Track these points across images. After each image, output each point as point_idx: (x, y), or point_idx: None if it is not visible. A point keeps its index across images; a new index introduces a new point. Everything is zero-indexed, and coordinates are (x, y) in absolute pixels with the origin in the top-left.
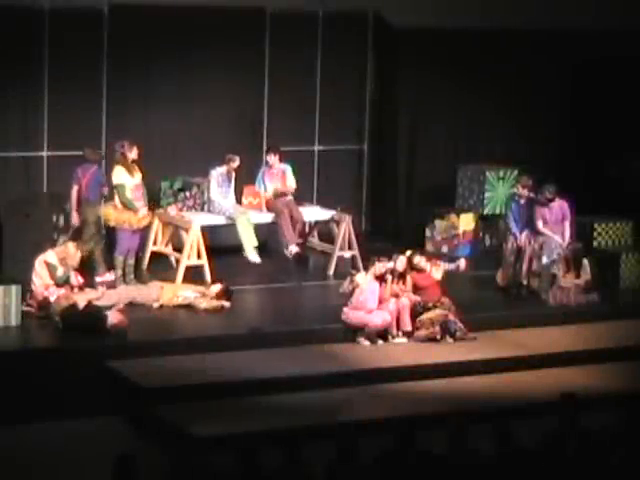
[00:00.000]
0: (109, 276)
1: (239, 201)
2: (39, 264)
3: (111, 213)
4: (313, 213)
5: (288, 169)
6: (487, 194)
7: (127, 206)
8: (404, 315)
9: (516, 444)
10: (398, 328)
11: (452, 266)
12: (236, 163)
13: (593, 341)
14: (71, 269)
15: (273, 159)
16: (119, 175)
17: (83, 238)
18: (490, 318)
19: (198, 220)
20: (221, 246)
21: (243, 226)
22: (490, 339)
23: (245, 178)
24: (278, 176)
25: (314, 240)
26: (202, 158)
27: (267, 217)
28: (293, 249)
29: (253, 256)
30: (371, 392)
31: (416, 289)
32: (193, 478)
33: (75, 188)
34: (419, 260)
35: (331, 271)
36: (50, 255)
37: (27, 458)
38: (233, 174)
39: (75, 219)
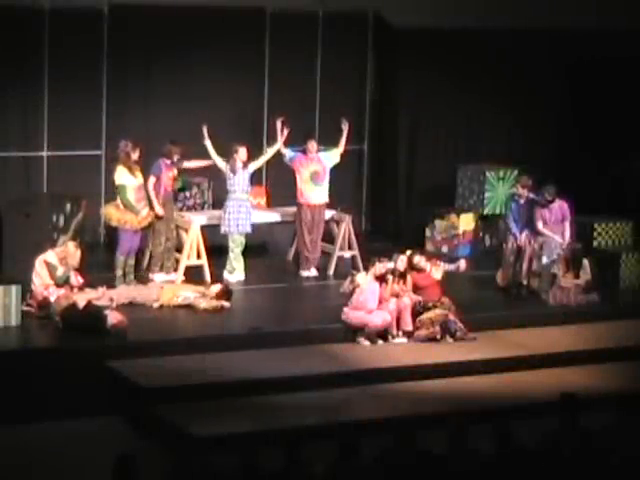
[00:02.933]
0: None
1: None
2: (39, 264)
3: (113, 213)
4: None
5: (323, 154)
6: (487, 194)
7: (127, 207)
8: (405, 315)
9: (516, 444)
10: (398, 328)
11: (452, 267)
12: (238, 154)
13: (593, 341)
14: (71, 269)
15: (314, 146)
16: (121, 176)
17: (154, 234)
18: (490, 318)
19: (198, 220)
20: (221, 246)
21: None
22: (490, 339)
23: None
24: (314, 160)
25: None
26: (202, 158)
27: (269, 217)
28: (304, 274)
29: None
30: (371, 392)
31: (416, 289)
32: (193, 478)
33: (153, 180)
34: (419, 260)
35: (331, 271)
36: (50, 255)
37: (27, 458)
38: (240, 165)
39: (161, 210)
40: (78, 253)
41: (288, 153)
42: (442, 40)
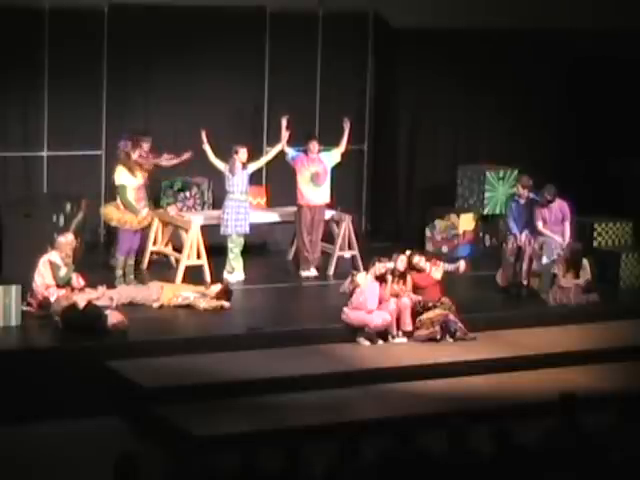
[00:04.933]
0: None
1: None
2: (43, 264)
3: (113, 213)
4: None
5: (324, 155)
6: (487, 194)
7: (127, 207)
8: (405, 315)
9: (516, 444)
10: (398, 328)
11: (452, 267)
12: (238, 155)
13: (593, 341)
14: (72, 269)
15: (316, 147)
16: (121, 176)
17: None
18: (490, 318)
19: (198, 220)
20: (221, 246)
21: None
22: (490, 339)
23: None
24: (315, 161)
25: None
26: (202, 158)
27: (268, 217)
28: (304, 274)
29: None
30: (371, 392)
31: (416, 289)
32: (193, 478)
33: None
34: (419, 260)
35: (331, 271)
36: (54, 255)
37: (27, 458)
38: (239, 166)
39: None
40: (70, 240)
41: (291, 152)
42: (442, 40)
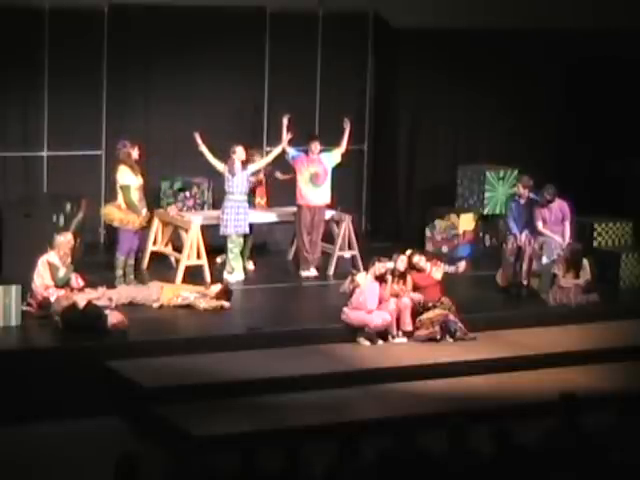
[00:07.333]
0: None
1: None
2: (42, 264)
3: (115, 213)
4: None
5: (325, 155)
6: (487, 194)
7: (130, 207)
8: (405, 315)
9: (516, 444)
10: (398, 328)
11: (452, 268)
12: (236, 155)
13: (593, 341)
14: (72, 270)
15: (317, 147)
16: (124, 175)
17: None
18: (490, 318)
19: (198, 220)
20: (221, 246)
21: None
22: (490, 339)
23: None
24: (315, 162)
25: None
26: (202, 158)
27: (268, 217)
28: (304, 274)
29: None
30: (371, 392)
31: (416, 289)
32: (193, 478)
33: None
34: (419, 260)
35: (331, 271)
36: (52, 255)
37: (27, 458)
38: (239, 166)
39: None
40: (68, 239)
41: (291, 152)
42: (442, 40)
